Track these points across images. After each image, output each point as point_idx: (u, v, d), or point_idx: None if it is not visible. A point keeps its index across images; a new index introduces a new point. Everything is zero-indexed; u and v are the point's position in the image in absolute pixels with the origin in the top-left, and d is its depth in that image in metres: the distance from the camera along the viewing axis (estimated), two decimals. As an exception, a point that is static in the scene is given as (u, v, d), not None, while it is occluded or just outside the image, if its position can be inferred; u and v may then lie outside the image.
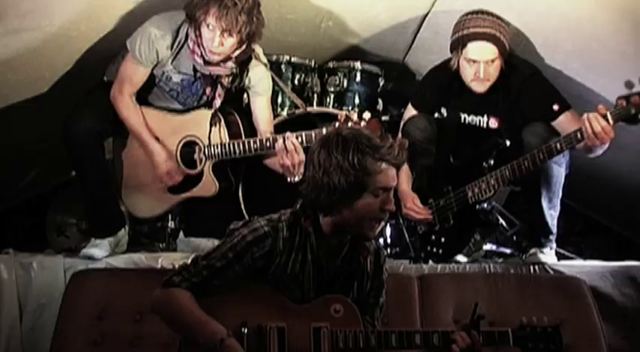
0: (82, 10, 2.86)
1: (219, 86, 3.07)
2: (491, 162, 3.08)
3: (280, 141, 2.89)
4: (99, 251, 3.01)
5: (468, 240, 3.23)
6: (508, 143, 3.09)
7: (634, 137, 3.25)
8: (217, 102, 3.09)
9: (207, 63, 2.95)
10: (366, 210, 2.08)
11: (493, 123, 3.11)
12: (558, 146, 2.78)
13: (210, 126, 3.05)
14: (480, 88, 3.02)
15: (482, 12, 2.98)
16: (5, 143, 3.41)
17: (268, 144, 2.97)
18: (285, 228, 2.13)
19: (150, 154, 3.04)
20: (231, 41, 2.85)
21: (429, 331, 2.11)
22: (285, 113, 3.56)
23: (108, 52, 3.12)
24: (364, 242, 2.22)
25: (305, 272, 2.15)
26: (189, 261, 2.15)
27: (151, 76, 3.05)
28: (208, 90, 3.09)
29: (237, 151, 3.02)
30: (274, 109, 3.56)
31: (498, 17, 2.98)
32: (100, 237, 3.07)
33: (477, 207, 3.09)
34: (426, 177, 3.27)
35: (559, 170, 2.96)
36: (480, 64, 2.95)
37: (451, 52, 3.07)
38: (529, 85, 3.00)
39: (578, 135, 2.70)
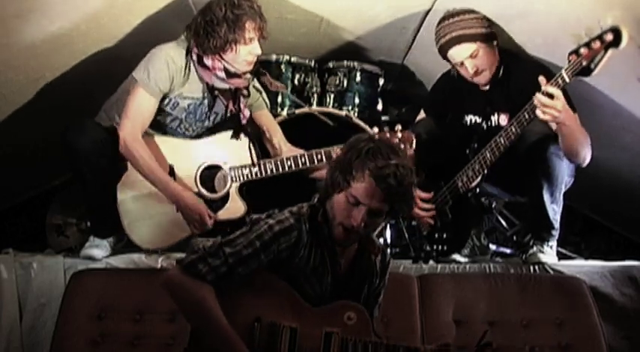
0: (82, 10, 2.86)
1: (241, 98, 3.04)
2: (475, 146, 3.09)
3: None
4: (99, 251, 3.00)
5: (469, 230, 3.22)
6: (485, 126, 3.12)
7: (634, 137, 3.25)
8: (246, 113, 3.05)
9: (230, 76, 2.93)
10: (337, 208, 2.14)
11: (503, 120, 3.10)
12: (527, 115, 2.79)
13: (237, 146, 3.01)
14: (481, 80, 3.06)
15: (448, 17, 3.04)
16: (5, 143, 3.42)
17: (303, 160, 2.98)
18: (307, 221, 2.17)
19: (179, 201, 2.90)
20: (261, 42, 2.89)
21: (435, 349, 2.12)
22: (285, 113, 3.56)
23: (108, 52, 3.12)
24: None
25: (324, 267, 2.18)
26: (210, 244, 2.13)
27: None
28: (231, 104, 3.04)
29: (269, 170, 3.00)
30: (274, 109, 3.56)
31: (465, 12, 3.02)
32: (102, 236, 3.06)
33: (468, 194, 3.11)
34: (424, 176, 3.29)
35: (560, 163, 2.94)
36: (466, 62, 3.01)
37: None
38: (532, 78, 3.01)
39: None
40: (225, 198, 3.03)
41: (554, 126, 2.87)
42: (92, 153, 2.85)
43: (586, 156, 2.88)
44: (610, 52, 2.50)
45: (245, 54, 2.86)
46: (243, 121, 3.04)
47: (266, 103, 3.22)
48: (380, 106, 3.80)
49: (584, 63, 2.54)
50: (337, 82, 3.69)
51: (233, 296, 2.09)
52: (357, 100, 3.68)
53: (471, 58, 3.00)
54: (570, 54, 2.58)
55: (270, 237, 2.10)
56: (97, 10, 2.91)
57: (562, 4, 2.87)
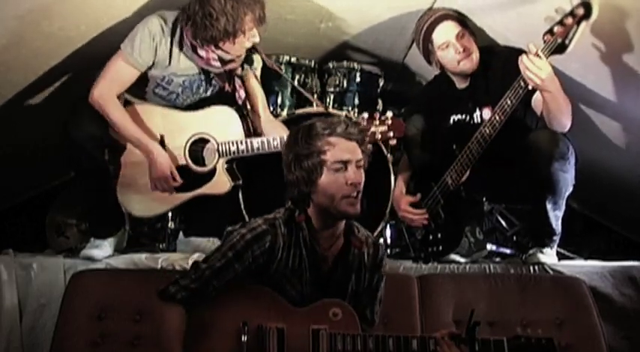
0: (81, 11, 2.86)
1: (235, 78, 3.04)
2: (461, 141, 3.08)
3: None
4: (99, 251, 3.01)
5: (463, 227, 3.21)
6: (470, 123, 3.13)
7: (634, 137, 3.26)
8: (242, 93, 3.06)
9: (224, 63, 2.93)
10: (331, 187, 2.15)
11: (486, 114, 3.11)
12: (509, 101, 2.82)
13: (227, 121, 3.02)
14: (469, 63, 3.09)
15: (426, 13, 3.15)
16: (5, 143, 3.42)
17: None
18: (282, 224, 2.19)
19: (149, 155, 2.94)
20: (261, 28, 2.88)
21: (426, 336, 2.16)
22: (285, 113, 3.56)
23: (108, 52, 3.12)
24: (349, 220, 2.26)
25: (302, 266, 2.20)
26: (189, 266, 2.18)
27: (145, 81, 3.00)
28: (227, 86, 3.04)
29: (256, 148, 3.00)
30: (275, 110, 3.56)
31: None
32: (101, 237, 3.07)
33: (460, 188, 3.11)
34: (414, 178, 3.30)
35: (565, 176, 2.95)
36: (452, 42, 3.06)
37: (429, 62, 3.21)
38: (511, 63, 3.00)
39: (522, 83, 2.76)
40: (212, 173, 3.03)
41: (538, 106, 2.90)
42: (91, 147, 2.88)
43: (567, 123, 2.89)
44: (583, 25, 2.58)
45: (243, 42, 2.85)
46: (239, 101, 3.05)
47: (258, 66, 3.18)
48: (380, 107, 3.80)
49: (559, 40, 2.62)
50: (337, 82, 3.69)
51: (218, 304, 2.13)
52: (356, 101, 3.68)
53: (457, 39, 3.05)
54: (545, 34, 2.64)
55: (243, 245, 2.13)
56: (96, 10, 2.91)
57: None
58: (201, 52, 2.91)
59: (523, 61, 2.67)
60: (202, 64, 2.96)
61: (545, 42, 2.65)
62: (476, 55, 3.08)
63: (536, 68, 2.64)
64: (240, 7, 2.74)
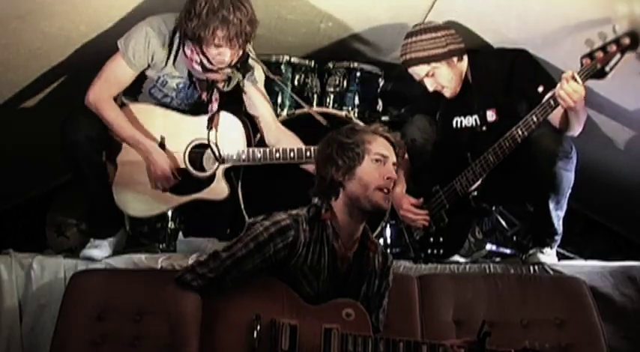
0: (82, 11, 2.86)
1: (215, 90, 3.02)
2: (473, 148, 3.08)
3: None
4: (99, 252, 3.01)
5: (467, 233, 3.21)
6: (484, 128, 3.12)
7: (634, 137, 3.26)
8: (214, 106, 3.03)
9: (206, 70, 2.91)
10: (368, 175, 2.21)
11: (491, 116, 3.10)
12: (534, 118, 2.79)
13: (230, 128, 3.03)
14: (446, 93, 3.12)
15: (409, 35, 3.12)
16: (5, 143, 3.42)
17: (292, 154, 3.01)
18: (305, 221, 2.21)
19: (147, 155, 2.95)
20: (235, 51, 2.84)
21: (436, 344, 2.16)
22: (285, 113, 3.56)
23: (107, 52, 3.12)
24: (379, 214, 2.37)
25: (321, 264, 2.21)
26: (204, 257, 2.19)
27: (142, 82, 3.00)
28: (204, 94, 3.04)
29: (258, 158, 3.03)
30: (274, 110, 3.56)
31: (426, 31, 3.08)
32: (100, 237, 3.07)
33: (469, 196, 3.09)
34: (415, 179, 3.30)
35: (568, 175, 2.95)
36: (424, 80, 3.10)
37: None
38: (517, 64, 3.03)
39: (552, 102, 2.73)
40: (211, 178, 3.05)
41: (555, 118, 2.87)
42: (88, 149, 2.88)
43: (579, 130, 2.90)
44: (626, 55, 2.52)
45: (214, 54, 2.81)
46: (209, 114, 3.02)
47: (260, 80, 3.17)
48: (380, 107, 3.80)
49: (599, 66, 2.55)
50: (337, 82, 3.68)
51: (232, 296, 2.13)
52: (356, 101, 3.67)
53: (427, 77, 3.08)
54: (583, 57, 2.57)
55: (266, 237, 2.14)
56: (96, 10, 2.91)
57: (562, 5, 2.87)
58: (187, 50, 2.88)
59: (560, 83, 2.62)
60: (188, 64, 2.95)
61: (582, 65, 2.58)
62: (451, 87, 3.09)
63: (571, 91, 2.60)
64: (213, 19, 2.70)
